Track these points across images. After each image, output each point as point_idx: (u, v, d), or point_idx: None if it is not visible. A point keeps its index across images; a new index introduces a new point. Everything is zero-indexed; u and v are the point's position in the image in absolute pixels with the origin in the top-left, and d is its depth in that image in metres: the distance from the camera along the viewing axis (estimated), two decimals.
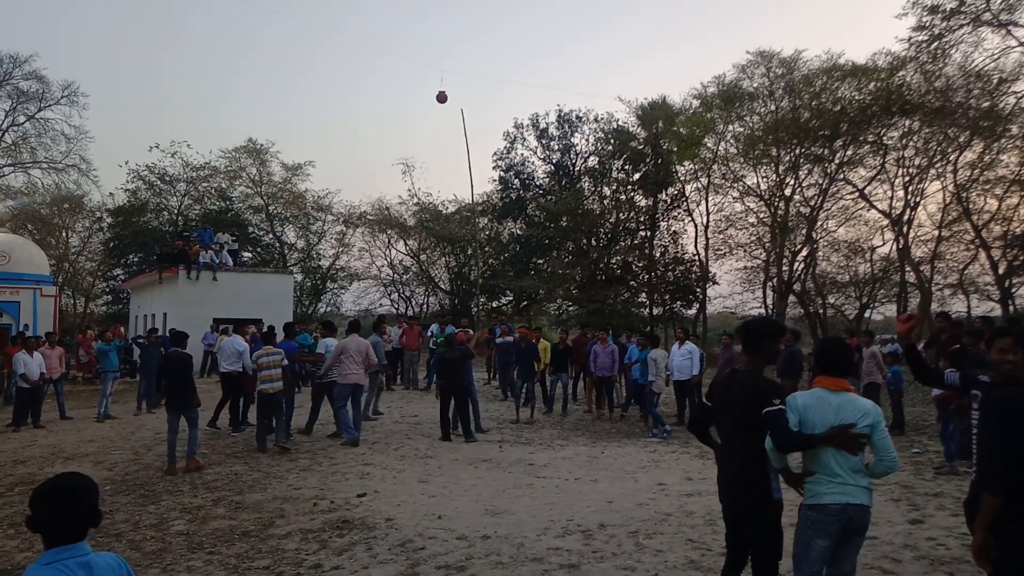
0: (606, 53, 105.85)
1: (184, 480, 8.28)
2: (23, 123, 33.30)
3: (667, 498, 7.32)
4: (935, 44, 20.95)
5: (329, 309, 38.51)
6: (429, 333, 17.51)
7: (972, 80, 21.05)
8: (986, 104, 21.04)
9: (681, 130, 27.35)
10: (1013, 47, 20.33)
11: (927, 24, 20.80)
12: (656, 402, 12.09)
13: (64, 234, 39.03)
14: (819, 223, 26.35)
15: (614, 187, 31.89)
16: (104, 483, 8.19)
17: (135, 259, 35.44)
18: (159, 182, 35.65)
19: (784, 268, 26.13)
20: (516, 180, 34.48)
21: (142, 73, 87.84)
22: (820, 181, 25.58)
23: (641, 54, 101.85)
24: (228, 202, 36.63)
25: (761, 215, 27.62)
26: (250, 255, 35.65)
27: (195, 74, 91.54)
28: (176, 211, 36.40)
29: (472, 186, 29.20)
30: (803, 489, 3.62)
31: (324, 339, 12.32)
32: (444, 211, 35.84)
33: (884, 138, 23.75)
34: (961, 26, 20.45)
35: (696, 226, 30.61)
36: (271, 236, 37.44)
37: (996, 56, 20.63)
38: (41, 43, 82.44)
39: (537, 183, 34.47)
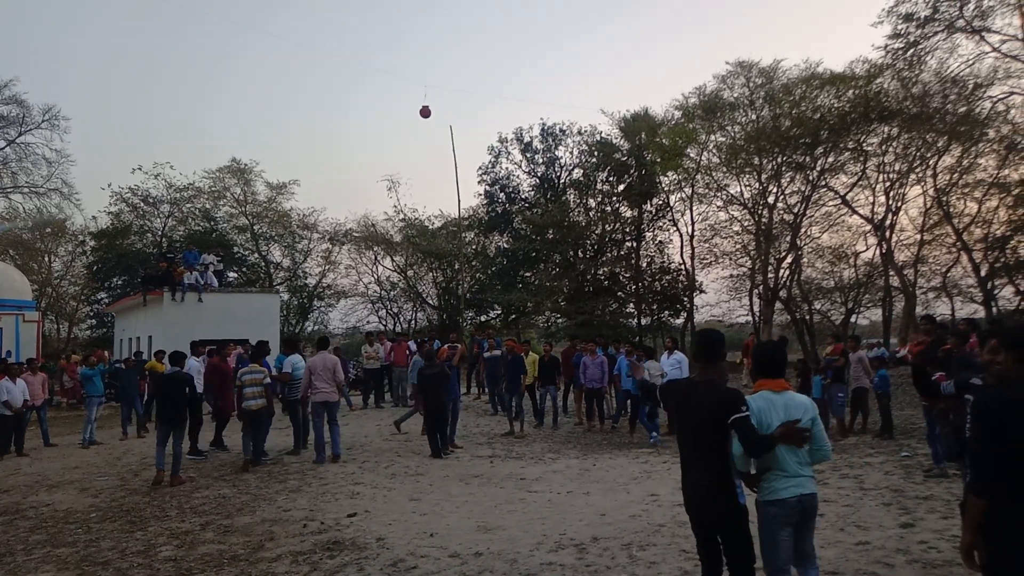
0: (588, 67, 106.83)
1: (171, 504, 8.16)
2: (3, 148, 33.01)
3: (660, 509, 7.30)
4: (911, 51, 21.25)
5: (317, 328, 38.31)
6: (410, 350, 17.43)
7: (948, 86, 21.35)
8: (963, 109, 21.34)
9: (664, 141, 27.55)
10: (987, 52, 20.67)
11: (902, 32, 21.12)
12: (645, 411, 12.08)
13: (47, 259, 38.72)
14: (803, 230, 26.55)
15: (599, 199, 32.06)
16: (89, 510, 8.07)
17: (119, 282, 35.14)
18: (142, 204, 35.49)
19: (769, 275, 26.28)
20: (502, 194, 34.58)
21: (124, 95, 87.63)
22: (802, 188, 25.81)
23: (622, 67, 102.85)
24: (212, 223, 36.45)
25: (745, 223, 27.81)
26: (236, 275, 35.45)
27: (177, 95, 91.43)
28: (160, 233, 36.20)
29: (459, 201, 29.23)
30: (756, 488, 3.85)
31: (288, 357, 12.07)
32: (430, 226, 35.85)
33: (864, 145, 24.02)
34: (936, 33, 20.77)
35: (681, 236, 30.83)
36: (256, 256, 37.27)
37: (971, 62, 20.96)
38: (21, 67, 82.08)
39: (522, 196, 34.58)
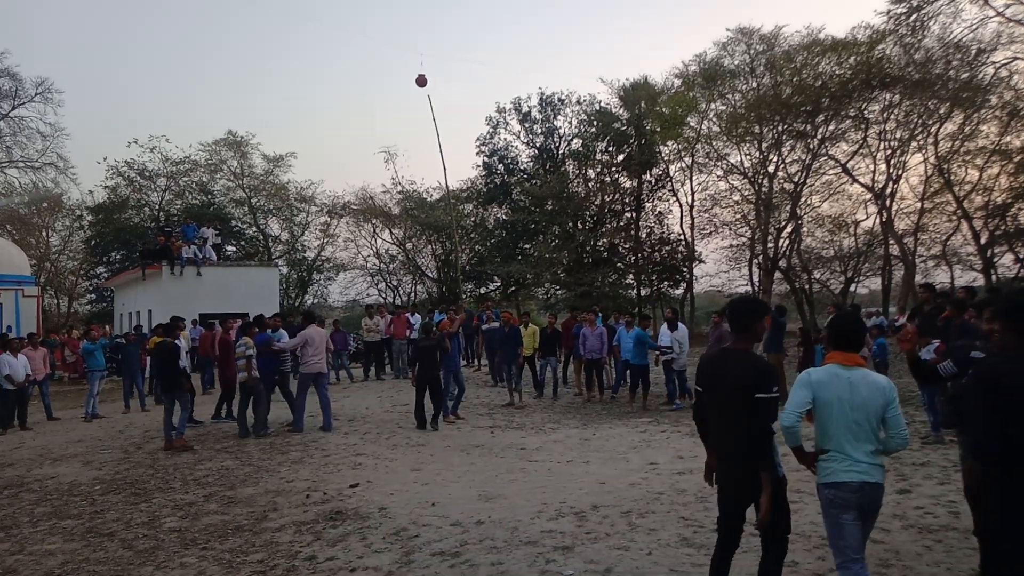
0: (587, 34, 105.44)
1: (175, 476, 8.24)
2: None
3: (659, 477, 7.37)
4: (914, 16, 21.00)
5: (316, 301, 38.33)
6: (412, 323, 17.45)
7: (951, 51, 21.13)
8: (965, 75, 21.14)
9: (664, 110, 27.34)
10: (991, 17, 20.42)
11: None
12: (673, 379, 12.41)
13: (44, 233, 38.56)
14: (803, 199, 26.48)
15: (598, 169, 31.87)
16: (93, 482, 8.14)
17: (117, 256, 35.10)
18: (139, 178, 35.32)
19: (769, 245, 26.26)
20: (500, 165, 34.35)
21: (117, 68, 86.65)
22: (803, 157, 25.68)
23: (622, 34, 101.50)
24: (210, 196, 36.30)
25: (745, 193, 27.72)
26: (234, 249, 35.37)
27: (171, 68, 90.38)
28: (157, 207, 36.04)
29: (445, 171, 29.15)
30: (815, 468, 3.59)
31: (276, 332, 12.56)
32: (429, 198, 35.69)
33: (865, 112, 23.85)
34: None
35: (681, 206, 30.76)
36: (255, 229, 37.15)
37: (974, 26, 20.73)
38: (13, 40, 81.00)
39: (521, 167, 34.35)
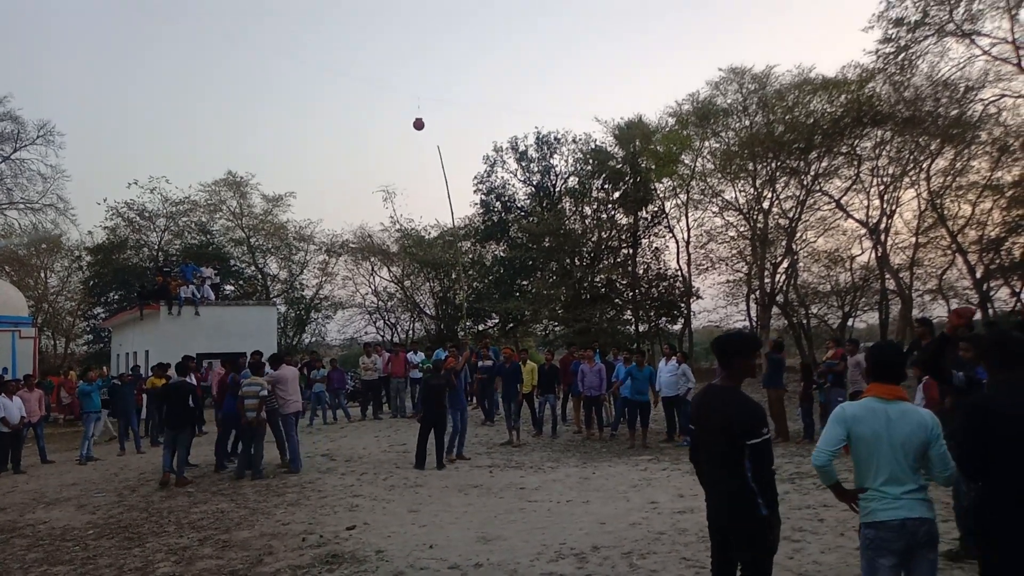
0: (582, 75, 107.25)
1: (169, 520, 8.12)
2: None
3: (660, 516, 7.28)
4: (902, 55, 21.39)
5: (314, 339, 38.22)
6: (411, 361, 17.40)
7: (940, 89, 21.48)
8: (954, 112, 21.46)
9: (658, 148, 27.65)
10: (977, 56, 20.81)
11: (893, 36, 21.26)
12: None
13: (42, 274, 38.60)
14: (798, 234, 26.63)
15: (595, 206, 32.11)
16: (87, 527, 8.03)
17: (115, 297, 35.06)
18: (138, 218, 35.45)
19: (766, 280, 26.33)
20: (497, 203, 34.62)
21: (119, 110, 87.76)
22: (797, 193, 25.89)
23: (616, 75, 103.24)
24: (209, 236, 36.43)
25: (741, 228, 27.88)
26: (232, 288, 35.39)
27: (172, 110, 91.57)
28: (156, 247, 36.15)
29: (452, 215, 29.53)
30: (857, 506, 3.46)
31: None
32: (426, 236, 35.88)
33: (857, 149, 24.11)
34: (926, 37, 20.91)
35: (677, 242, 30.91)
36: (253, 268, 37.23)
37: (962, 65, 21.10)
38: (16, 83, 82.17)
39: (518, 205, 34.63)
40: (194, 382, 12.20)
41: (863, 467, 3.41)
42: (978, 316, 22.91)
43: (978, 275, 23.10)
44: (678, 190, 29.06)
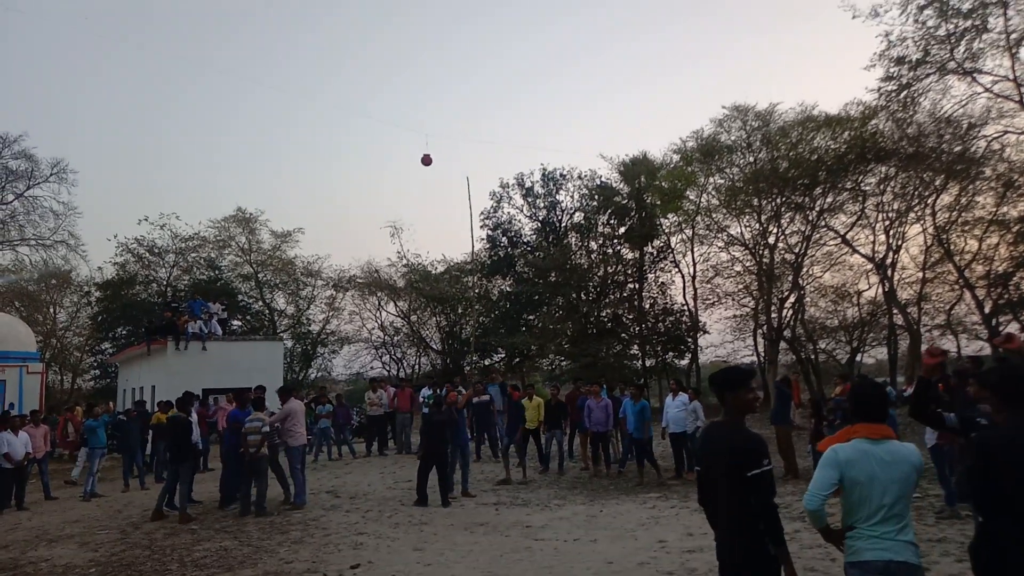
0: (587, 112, 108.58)
1: (172, 558, 8.04)
2: (12, 202, 33.44)
3: (668, 556, 7.17)
4: (904, 93, 21.58)
5: (320, 374, 38.17)
6: (421, 397, 17.33)
7: (943, 126, 21.62)
8: (958, 148, 21.57)
9: (663, 184, 27.84)
10: (979, 93, 20.99)
11: (895, 74, 21.47)
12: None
13: (51, 310, 38.82)
14: (804, 269, 26.63)
15: (600, 241, 32.26)
16: (89, 565, 7.95)
17: (123, 332, 35.18)
18: (148, 254, 35.69)
19: (773, 315, 26.25)
20: (504, 238, 34.83)
21: (130, 148, 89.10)
22: (802, 228, 25.96)
23: (621, 112, 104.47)
24: (217, 271, 36.66)
25: (747, 263, 27.92)
26: (240, 323, 35.48)
27: (182, 147, 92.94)
28: (165, 282, 36.36)
29: (473, 246, 29.83)
30: (843, 546, 3.44)
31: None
32: (433, 271, 36.04)
33: (862, 184, 24.21)
34: (928, 75, 21.12)
35: (683, 277, 30.96)
36: (260, 303, 37.37)
37: (964, 102, 21.27)
38: (30, 121, 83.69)
39: (524, 240, 34.82)
40: (194, 418, 12.20)
41: (853, 508, 3.38)
42: (987, 351, 22.75)
43: (987, 310, 22.98)
44: (683, 225, 29.19)
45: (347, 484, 12.80)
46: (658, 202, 28.34)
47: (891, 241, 24.83)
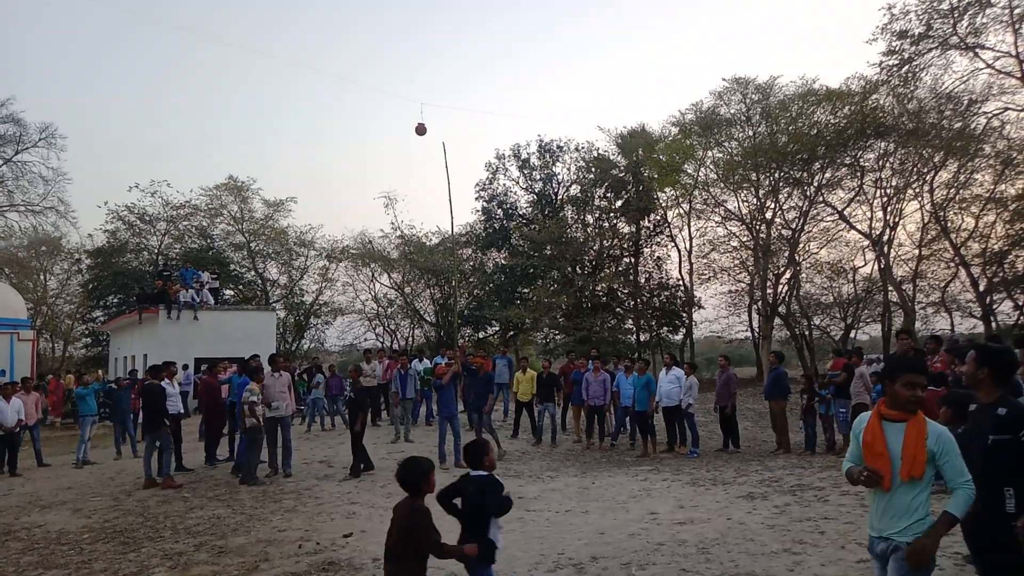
0: (586, 83, 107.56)
1: (165, 525, 8.05)
2: (0, 167, 33.05)
3: (659, 527, 7.20)
4: (905, 68, 21.40)
5: (313, 345, 38.16)
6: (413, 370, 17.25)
7: (943, 102, 21.49)
8: (958, 125, 21.45)
9: (661, 157, 27.62)
10: (981, 69, 20.83)
11: (897, 49, 21.28)
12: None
13: (42, 277, 38.61)
14: (801, 245, 26.59)
15: (597, 215, 32.10)
16: (82, 531, 7.95)
17: (115, 300, 35.06)
18: (139, 222, 35.43)
19: (768, 291, 26.26)
20: (499, 210, 34.59)
21: (122, 114, 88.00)
22: (800, 204, 25.87)
23: (621, 83, 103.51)
24: (209, 240, 36.42)
25: (743, 239, 27.84)
26: (232, 293, 35.36)
27: (175, 114, 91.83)
28: (156, 250, 36.14)
29: (452, 219, 29.57)
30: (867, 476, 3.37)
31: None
32: (427, 243, 35.88)
33: (861, 160, 24.10)
34: (930, 50, 20.93)
35: (679, 251, 30.88)
36: (253, 273, 37.20)
37: (965, 78, 21.13)
38: (18, 85, 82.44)
39: (520, 212, 34.60)
40: (172, 386, 12.11)
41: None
42: (980, 329, 22.85)
43: (981, 288, 23.03)
44: (680, 199, 29.03)
45: (340, 454, 12.81)
46: (655, 176, 28.15)
47: (888, 218, 24.79)
